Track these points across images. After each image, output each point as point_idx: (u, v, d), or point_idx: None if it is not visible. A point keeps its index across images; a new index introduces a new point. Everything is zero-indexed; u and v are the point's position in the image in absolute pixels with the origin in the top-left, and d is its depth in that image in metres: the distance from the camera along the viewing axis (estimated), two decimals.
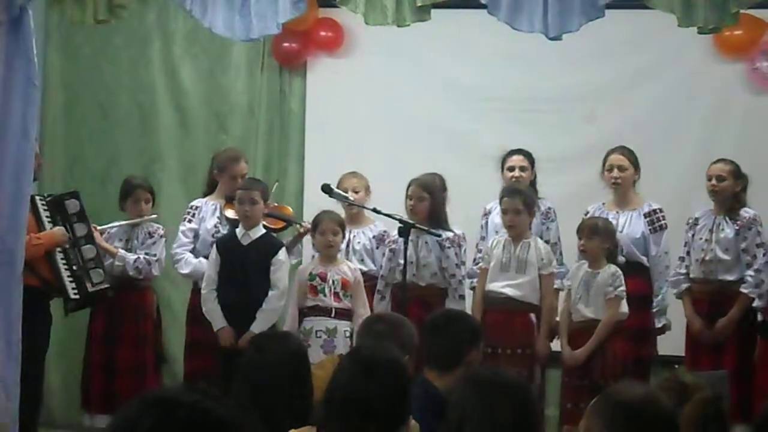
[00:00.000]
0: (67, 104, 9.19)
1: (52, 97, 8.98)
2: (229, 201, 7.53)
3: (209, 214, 7.59)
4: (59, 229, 7.18)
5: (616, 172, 7.46)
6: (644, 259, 7.44)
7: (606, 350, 6.96)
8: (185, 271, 7.51)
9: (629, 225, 7.44)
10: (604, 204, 7.57)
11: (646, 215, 7.45)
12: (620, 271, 7.02)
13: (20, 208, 6.26)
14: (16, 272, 6.25)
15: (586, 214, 7.48)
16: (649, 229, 7.43)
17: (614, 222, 7.36)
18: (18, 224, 6.26)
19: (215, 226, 7.53)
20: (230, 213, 7.48)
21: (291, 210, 7.96)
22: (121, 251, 7.57)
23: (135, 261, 7.55)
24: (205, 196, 7.73)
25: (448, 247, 7.29)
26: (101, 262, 7.34)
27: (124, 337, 7.56)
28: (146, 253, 7.60)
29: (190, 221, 7.59)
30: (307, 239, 7.58)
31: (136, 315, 7.61)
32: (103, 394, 7.54)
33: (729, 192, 7.27)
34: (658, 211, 7.47)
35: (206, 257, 7.35)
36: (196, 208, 7.64)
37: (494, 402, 3.49)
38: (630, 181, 7.50)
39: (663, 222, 7.45)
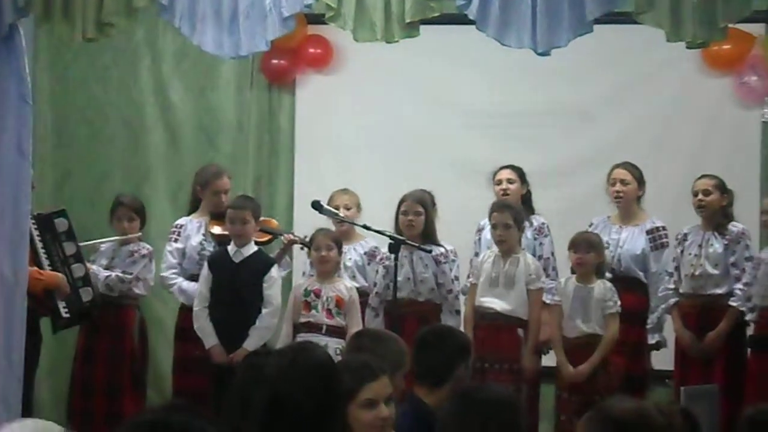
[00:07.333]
0: (56, 123, 9.17)
1: (40, 116, 8.87)
2: (214, 217, 7.52)
3: (194, 231, 7.57)
4: (63, 277, 7.09)
5: (618, 186, 7.49)
6: (641, 275, 7.46)
7: (607, 365, 6.98)
8: (180, 299, 7.49)
9: (631, 240, 7.46)
10: (609, 217, 7.60)
11: (648, 232, 7.48)
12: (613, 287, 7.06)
13: (19, 227, 6.18)
14: (19, 293, 6.15)
15: (590, 226, 7.51)
16: (650, 246, 7.46)
17: (616, 237, 7.42)
18: (18, 243, 6.18)
19: (200, 243, 7.52)
20: (216, 229, 7.48)
21: (276, 222, 7.95)
22: (94, 267, 7.46)
23: (106, 278, 7.44)
24: (189, 214, 7.72)
25: (444, 263, 7.30)
26: (90, 280, 7.29)
27: (100, 356, 7.49)
28: (123, 272, 7.51)
29: (176, 240, 7.58)
30: (301, 255, 7.59)
31: (113, 333, 7.50)
32: (81, 413, 7.48)
33: (716, 206, 7.28)
34: (660, 228, 7.50)
35: (195, 276, 7.34)
36: (181, 226, 7.63)
37: (483, 418, 3.49)
38: (633, 196, 7.52)
39: (665, 240, 7.47)
